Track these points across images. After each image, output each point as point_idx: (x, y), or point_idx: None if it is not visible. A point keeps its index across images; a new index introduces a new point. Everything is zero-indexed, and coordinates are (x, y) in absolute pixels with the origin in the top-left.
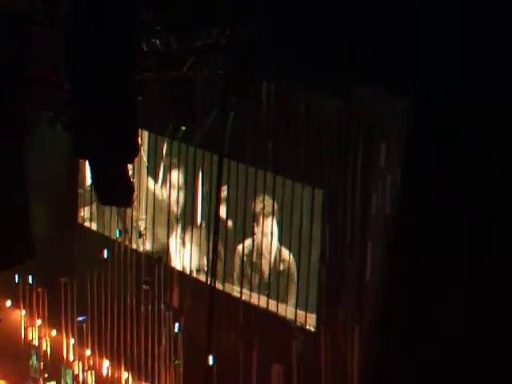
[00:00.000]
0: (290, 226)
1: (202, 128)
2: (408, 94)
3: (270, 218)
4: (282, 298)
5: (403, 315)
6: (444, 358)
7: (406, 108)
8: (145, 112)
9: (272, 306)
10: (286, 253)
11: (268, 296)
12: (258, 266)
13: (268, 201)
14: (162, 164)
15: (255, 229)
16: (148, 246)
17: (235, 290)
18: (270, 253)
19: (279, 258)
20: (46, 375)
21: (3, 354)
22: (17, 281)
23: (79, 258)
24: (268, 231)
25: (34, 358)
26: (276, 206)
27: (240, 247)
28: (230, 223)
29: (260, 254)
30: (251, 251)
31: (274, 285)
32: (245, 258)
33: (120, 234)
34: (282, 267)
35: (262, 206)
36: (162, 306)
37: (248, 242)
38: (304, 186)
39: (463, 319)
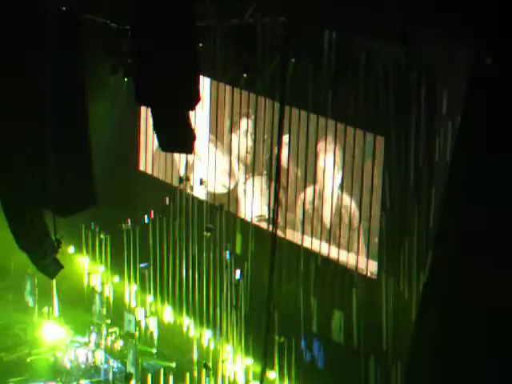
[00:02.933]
0: (351, 173)
1: (264, 76)
2: (470, 40)
3: (332, 164)
4: (343, 245)
5: (463, 262)
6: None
7: (468, 55)
8: (206, 59)
9: (333, 253)
10: (347, 200)
11: (329, 243)
12: (319, 213)
13: (330, 145)
14: (223, 112)
15: (317, 176)
16: (210, 193)
17: (297, 237)
18: (332, 200)
19: (341, 205)
20: (109, 321)
21: (66, 300)
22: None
23: (141, 204)
24: (329, 177)
25: (97, 303)
26: (338, 152)
27: (302, 195)
28: (292, 171)
29: (322, 202)
30: (313, 198)
31: (336, 232)
32: (307, 206)
33: (181, 181)
34: (343, 214)
35: (323, 152)
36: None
37: (309, 190)
38: (366, 133)
39: None
